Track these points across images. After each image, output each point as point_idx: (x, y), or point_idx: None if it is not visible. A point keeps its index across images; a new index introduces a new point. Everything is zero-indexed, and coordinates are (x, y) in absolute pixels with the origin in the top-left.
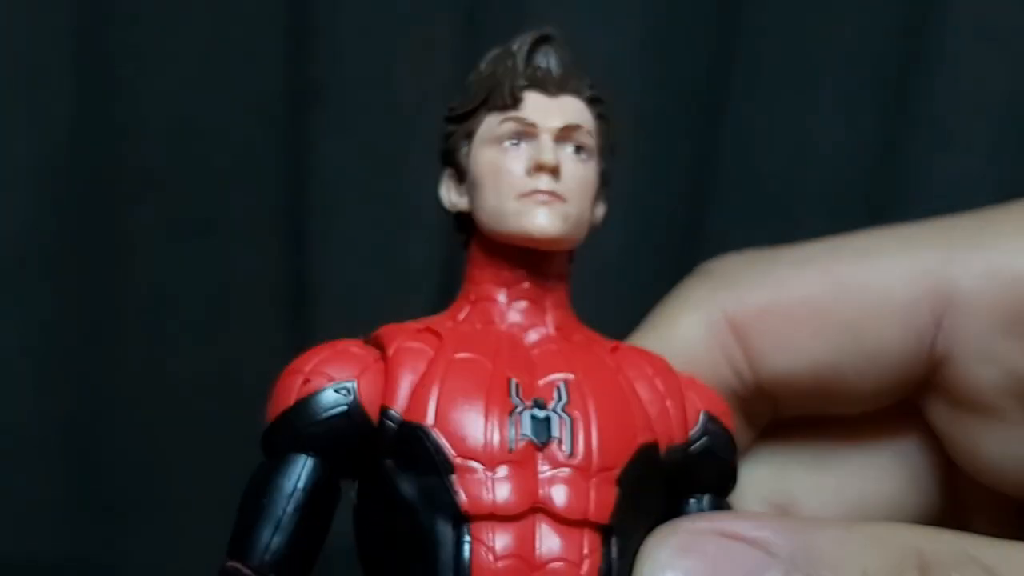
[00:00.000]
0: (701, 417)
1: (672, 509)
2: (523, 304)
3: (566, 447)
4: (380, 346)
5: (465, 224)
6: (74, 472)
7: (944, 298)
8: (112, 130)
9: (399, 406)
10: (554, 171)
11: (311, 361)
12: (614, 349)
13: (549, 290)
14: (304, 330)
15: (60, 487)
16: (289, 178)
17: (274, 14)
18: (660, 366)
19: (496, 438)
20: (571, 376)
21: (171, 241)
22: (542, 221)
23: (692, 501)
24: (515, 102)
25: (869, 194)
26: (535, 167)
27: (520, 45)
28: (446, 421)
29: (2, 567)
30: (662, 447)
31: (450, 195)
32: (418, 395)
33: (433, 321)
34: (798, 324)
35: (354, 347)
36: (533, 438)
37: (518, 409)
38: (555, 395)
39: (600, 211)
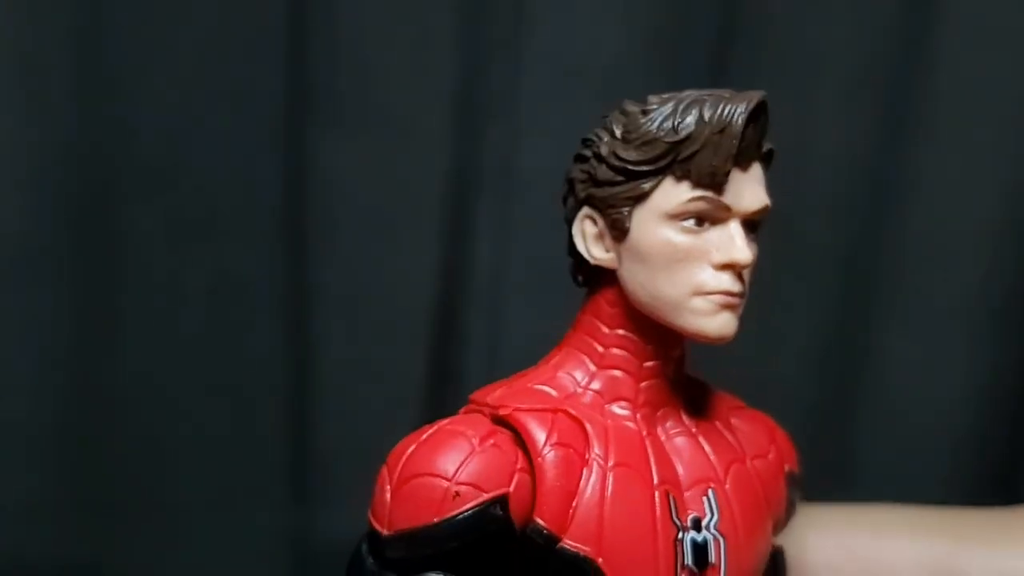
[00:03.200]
0: (787, 479)
1: None
2: (656, 382)
3: (721, 572)
4: (511, 428)
5: (595, 273)
6: (73, 472)
7: None
8: (112, 130)
9: (554, 524)
10: (745, 268)
11: (456, 465)
12: (729, 419)
13: (677, 359)
14: (304, 330)
15: (59, 487)
16: (289, 178)
17: (274, 14)
18: (767, 431)
19: (665, 573)
20: (716, 480)
21: (171, 241)
22: (727, 326)
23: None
24: (720, 182)
25: (869, 194)
26: (726, 265)
27: (732, 113)
28: (615, 555)
29: (1, 567)
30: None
31: (590, 245)
32: (580, 515)
33: (558, 390)
34: None
35: (491, 438)
36: (694, 567)
37: (679, 534)
38: (706, 509)
39: None
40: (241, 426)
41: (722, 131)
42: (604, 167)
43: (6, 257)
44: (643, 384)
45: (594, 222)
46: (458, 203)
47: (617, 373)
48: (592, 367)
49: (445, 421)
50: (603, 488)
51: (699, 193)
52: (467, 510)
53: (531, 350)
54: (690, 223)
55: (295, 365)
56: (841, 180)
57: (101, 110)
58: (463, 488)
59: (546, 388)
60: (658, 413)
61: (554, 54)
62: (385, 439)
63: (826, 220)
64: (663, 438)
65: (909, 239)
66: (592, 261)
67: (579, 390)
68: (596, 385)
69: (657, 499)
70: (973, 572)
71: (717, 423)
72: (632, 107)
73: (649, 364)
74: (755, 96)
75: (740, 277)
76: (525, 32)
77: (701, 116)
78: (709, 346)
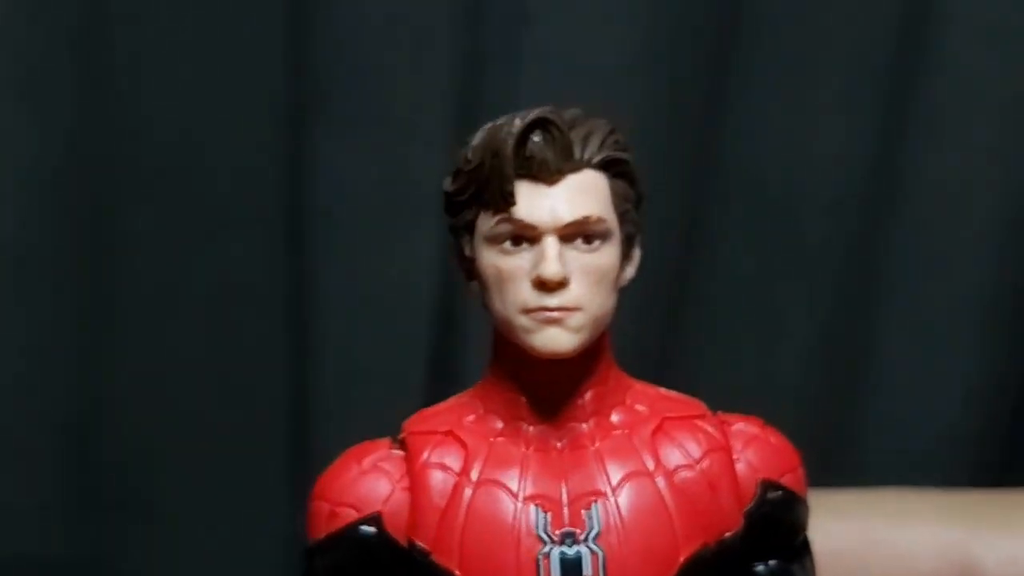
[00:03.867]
0: (759, 490)
1: None
2: (551, 398)
3: None
4: (406, 449)
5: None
6: (73, 472)
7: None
8: (112, 131)
9: (426, 540)
10: (560, 284)
11: (334, 486)
12: (657, 430)
13: (581, 373)
14: (304, 330)
15: (59, 487)
16: (289, 178)
17: (274, 14)
18: (708, 439)
19: None
20: (604, 494)
21: (171, 241)
22: (553, 342)
23: (760, 568)
24: (507, 203)
25: (868, 194)
26: (538, 282)
27: (505, 134)
28: (473, 567)
29: (1, 567)
30: (713, 542)
31: (462, 278)
32: (444, 532)
33: (459, 416)
34: (830, 571)
35: (380, 461)
36: None
37: (546, 548)
38: (587, 522)
39: (630, 271)
40: (241, 426)
41: (496, 153)
42: (444, 199)
43: (6, 257)
44: (537, 403)
45: (459, 256)
46: None
47: (513, 394)
48: (495, 390)
49: (354, 446)
50: (468, 505)
51: (499, 217)
52: (343, 528)
53: None
54: (507, 244)
55: (295, 365)
56: (841, 180)
57: (101, 110)
58: (340, 509)
59: (453, 412)
60: (556, 430)
61: (554, 54)
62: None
63: (826, 220)
64: (561, 453)
65: (909, 239)
66: (468, 294)
67: (480, 412)
68: (495, 407)
69: (521, 513)
70: (990, 557)
71: (635, 438)
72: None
73: (537, 382)
74: (532, 113)
75: (557, 290)
76: (525, 32)
77: (481, 142)
78: (711, 344)
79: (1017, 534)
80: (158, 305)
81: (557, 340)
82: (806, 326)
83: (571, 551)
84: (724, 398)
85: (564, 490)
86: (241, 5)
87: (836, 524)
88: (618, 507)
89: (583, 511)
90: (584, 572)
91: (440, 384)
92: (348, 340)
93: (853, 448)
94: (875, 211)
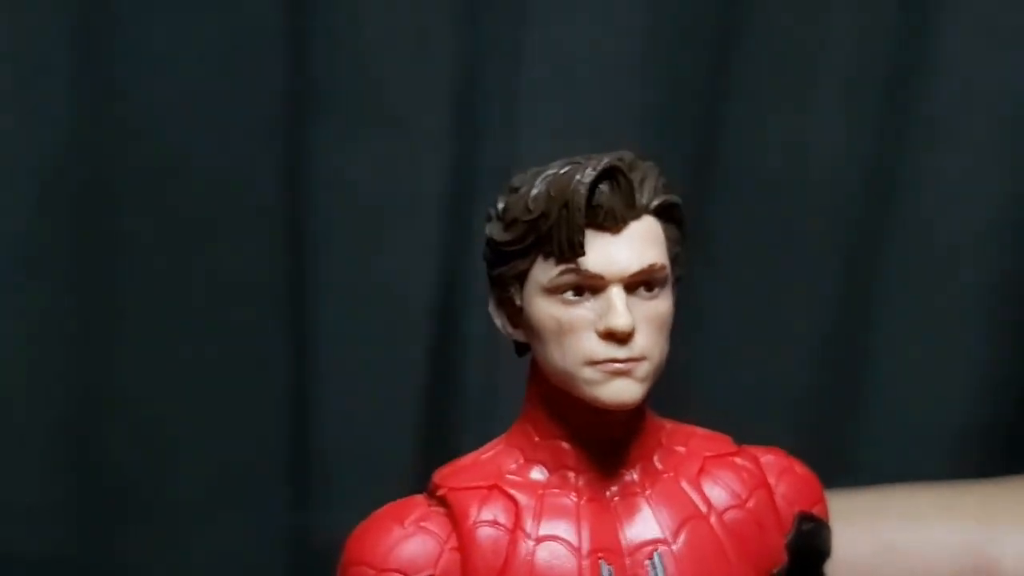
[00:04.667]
0: (796, 522)
1: None
2: (599, 448)
3: None
4: (447, 506)
5: (523, 347)
6: (73, 472)
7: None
8: (112, 131)
9: None
10: (629, 335)
11: (378, 551)
12: (700, 471)
13: (626, 422)
14: (303, 330)
15: (59, 487)
16: (289, 178)
17: (273, 14)
18: (751, 477)
19: None
20: (664, 543)
21: (171, 241)
22: (622, 394)
23: None
24: (575, 254)
25: (868, 194)
26: (606, 334)
27: (576, 184)
28: None
29: (2, 567)
30: None
31: (503, 323)
32: None
33: (499, 467)
34: None
35: (423, 521)
36: None
37: None
38: (650, 571)
39: (671, 302)
40: (241, 426)
41: (566, 204)
42: (488, 249)
43: (6, 256)
44: (584, 451)
45: (501, 306)
46: (458, 203)
47: (556, 443)
48: (535, 438)
49: (386, 505)
50: (529, 562)
51: (563, 267)
52: None
53: None
54: (569, 295)
55: (295, 365)
56: (841, 180)
57: (101, 110)
58: (389, 574)
59: (491, 464)
60: (605, 478)
61: (554, 54)
62: (385, 439)
63: (826, 220)
64: (613, 503)
65: (909, 239)
66: (509, 337)
67: (521, 462)
68: (538, 456)
69: (586, 568)
70: (1008, 555)
71: (682, 480)
72: (512, 183)
73: (586, 430)
74: (601, 161)
75: (627, 342)
76: (525, 32)
77: (547, 191)
78: (712, 345)
79: None
80: (157, 304)
81: (626, 391)
82: (807, 326)
83: None
84: (725, 399)
85: (623, 540)
86: (242, 5)
87: (848, 530)
88: (679, 553)
89: (646, 561)
90: None
91: (440, 384)
92: (348, 340)
93: (857, 447)
94: (875, 211)
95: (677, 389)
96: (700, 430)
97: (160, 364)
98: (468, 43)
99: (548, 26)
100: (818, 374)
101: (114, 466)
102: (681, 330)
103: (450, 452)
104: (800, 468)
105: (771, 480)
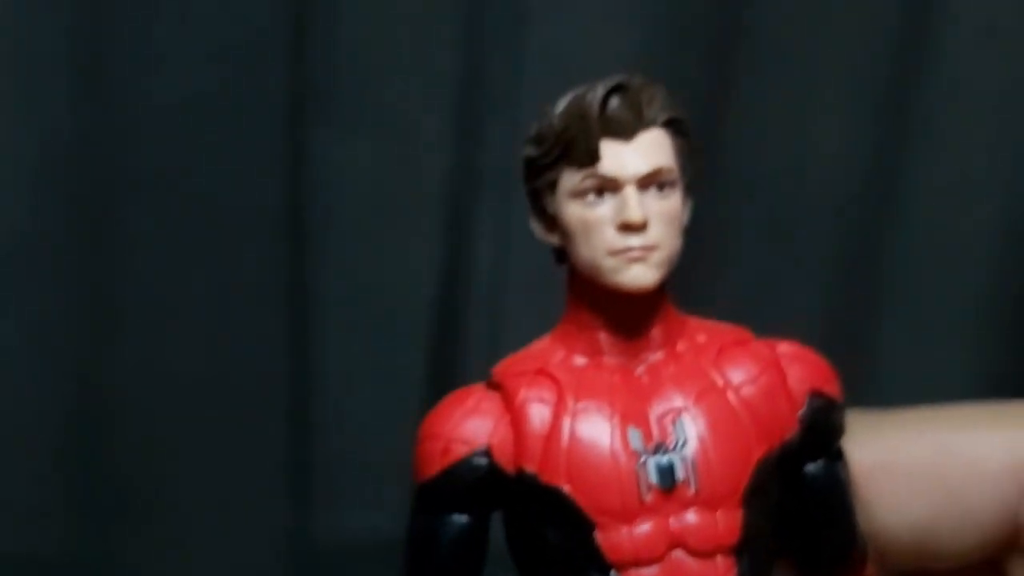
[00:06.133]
0: (807, 400)
1: (787, 477)
2: (627, 333)
3: (692, 487)
4: (502, 390)
5: (562, 254)
6: (74, 472)
7: None
8: (112, 130)
9: (533, 465)
10: (642, 226)
11: (447, 425)
12: (719, 354)
13: (650, 309)
14: (303, 330)
15: (59, 487)
16: (289, 178)
17: (274, 14)
18: (763, 357)
19: (629, 494)
20: (684, 408)
21: (171, 241)
22: (639, 278)
23: (810, 467)
24: (592, 160)
25: (868, 195)
26: (622, 226)
27: (590, 99)
28: (580, 482)
29: (1, 567)
30: (776, 448)
31: (542, 233)
32: (549, 456)
33: (544, 357)
34: (905, 484)
35: (482, 401)
36: (661, 486)
37: (642, 460)
38: (673, 434)
39: (687, 215)
40: (241, 426)
41: (582, 116)
42: (525, 169)
43: (6, 256)
44: (616, 337)
45: (539, 218)
46: (458, 203)
47: (593, 332)
48: (575, 331)
49: (452, 392)
50: (569, 429)
51: (584, 173)
52: (457, 461)
53: None
54: (591, 197)
55: (295, 365)
56: (841, 181)
57: (101, 110)
58: (453, 445)
59: (539, 355)
60: (634, 359)
61: (554, 54)
62: (385, 439)
63: (827, 220)
64: (641, 380)
65: (910, 240)
66: (546, 242)
67: (563, 353)
68: (578, 347)
69: (617, 432)
70: None
71: (701, 361)
72: (544, 109)
73: (616, 318)
74: (611, 79)
75: (639, 232)
76: (525, 32)
77: (567, 109)
78: None
79: None
80: (158, 304)
81: (642, 276)
82: (807, 326)
83: (664, 459)
84: None
85: (650, 409)
86: (241, 5)
87: (909, 436)
88: (699, 419)
89: (670, 425)
90: (676, 476)
91: (440, 384)
92: (348, 340)
93: None
94: (875, 212)
95: None
96: (723, 324)
97: (160, 364)
98: (468, 43)
99: (548, 26)
100: None
101: (114, 466)
102: None
103: None
104: (813, 354)
105: (784, 363)
